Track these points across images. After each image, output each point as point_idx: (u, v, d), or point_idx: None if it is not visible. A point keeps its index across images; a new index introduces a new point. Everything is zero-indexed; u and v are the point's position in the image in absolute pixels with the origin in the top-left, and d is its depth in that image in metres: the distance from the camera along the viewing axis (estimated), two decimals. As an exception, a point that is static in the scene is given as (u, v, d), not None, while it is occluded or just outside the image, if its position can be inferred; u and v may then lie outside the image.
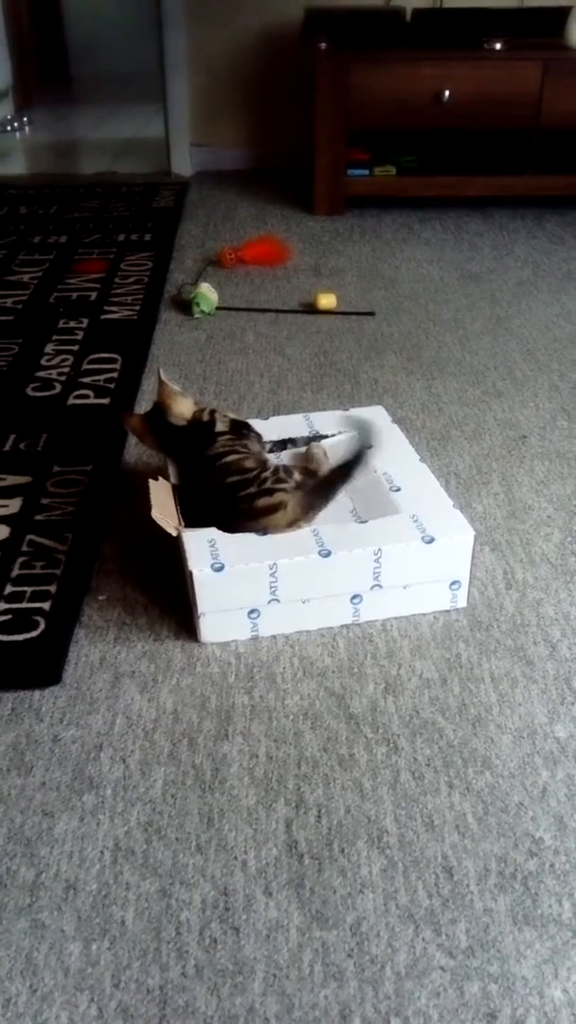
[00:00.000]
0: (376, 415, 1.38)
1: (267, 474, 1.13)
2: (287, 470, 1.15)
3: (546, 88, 2.49)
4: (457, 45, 2.51)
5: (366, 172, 2.66)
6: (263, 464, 1.16)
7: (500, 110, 2.52)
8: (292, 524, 1.10)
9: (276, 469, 1.15)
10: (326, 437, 1.31)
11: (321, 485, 1.15)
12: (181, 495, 1.18)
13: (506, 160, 2.64)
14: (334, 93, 2.51)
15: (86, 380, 1.74)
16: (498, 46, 2.50)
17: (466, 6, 2.68)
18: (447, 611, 1.15)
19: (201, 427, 1.22)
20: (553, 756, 0.95)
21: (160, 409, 1.24)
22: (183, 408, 1.24)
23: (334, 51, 2.48)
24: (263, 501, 1.10)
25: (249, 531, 1.10)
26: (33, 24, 4.49)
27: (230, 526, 1.10)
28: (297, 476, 1.15)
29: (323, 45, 2.47)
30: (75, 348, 1.87)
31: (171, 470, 1.24)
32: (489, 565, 1.24)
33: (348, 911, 0.80)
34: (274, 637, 1.11)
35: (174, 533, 1.11)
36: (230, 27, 2.94)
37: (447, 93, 2.49)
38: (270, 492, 1.11)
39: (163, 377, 1.26)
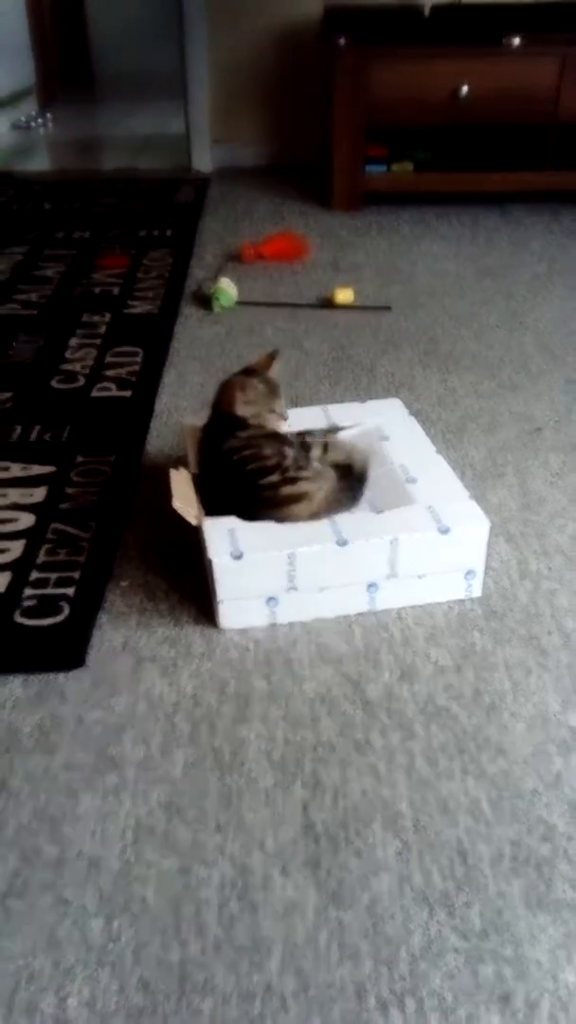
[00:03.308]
0: (393, 408, 1.39)
1: (288, 462, 1.14)
2: (305, 457, 1.16)
3: (564, 83, 2.48)
4: (475, 41, 2.49)
5: (384, 168, 2.66)
6: (281, 453, 1.16)
7: (518, 106, 2.51)
8: (313, 516, 1.12)
9: (295, 457, 1.16)
10: (343, 429, 1.33)
11: (351, 489, 1.16)
12: (201, 484, 1.20)
13: (523, 156, 2.63)
14: (353, 89, 2.51)
15: (109, 373, 1.76)
16: (516, 42, 2.48)
17: (484, 2, 2.67)
18: (462, 600, 1.16)
19: (229, 421, 1.22)
20: (567, 744, 0.96)
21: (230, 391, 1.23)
22: (243, 409, 1.21)
23: (353, 47, 2.47)
24: (287, 490, 1.11)
25: (269, 519, 1.11)
26: (56, 23, 4.51)
27: (251, 514, 1.12)
28: (316, 465, 1.15)
29: (342, 41, 2.47)
30: (98, 342, 1.89)
31: (191, 459, 1.25)
32: (504, 555, 1.24)
33: (364, 892, 0.81)
34: (291, 624, 1.12)
35: (194, 522, 1.12)
36: (250, 25, 2.95)
37: (465, 89, 2.48)
38: (293, 481, 1.12)
39: (250, 381, 1.21)
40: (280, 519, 1.11)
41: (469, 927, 0.78)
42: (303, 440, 1.21)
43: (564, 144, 2.58)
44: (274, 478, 1.11)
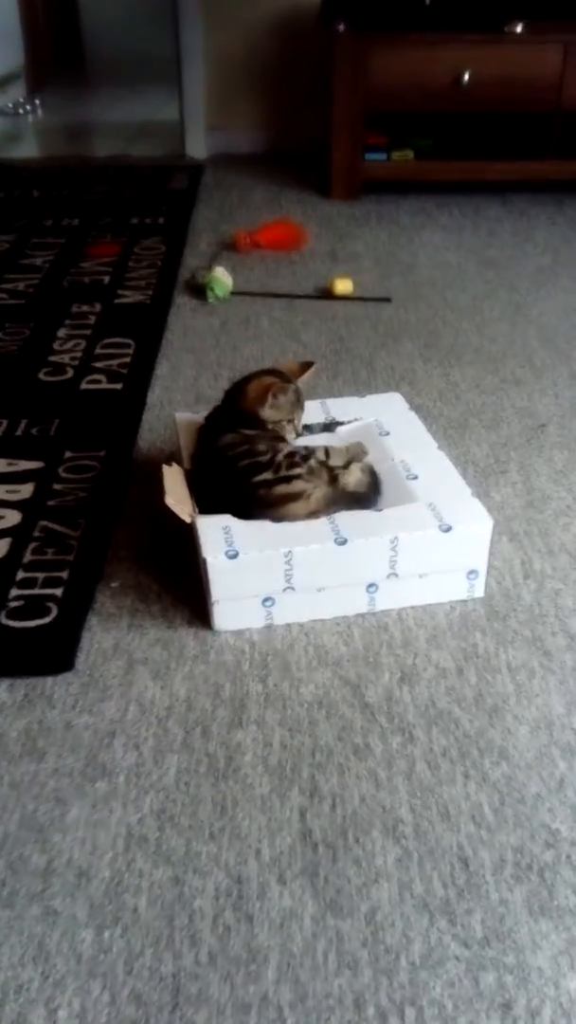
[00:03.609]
0: (393, 402, 1.37)
1: (280, 458, 1.11)
2: (304, 456, 1.13)
3: (567, 71, 2.45)
4: (477, 27, 2.46)
5: (383, 156, 2.63)
6: (274, 449, 1.13)
7: (520, 93, 2.49)
8: (312, 515, 1.09)
9: (291, 453, 1.13)
10: (342, 424, 1.30)
11: (354, 496, 1.13)
12: (195, 480, 1.17)
13: (526, 144, 2.61)
14: (352, 76, 2.48)
15: (99, 365, 1.73)
16: (519, 28, 2.45)
17: (486, -13, 2.63)
18: (464, 600, 1.14)
19: (243, 417, 1.18)
20: (571, 747, 0.95)
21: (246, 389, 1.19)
22: (269, 412, 1.18)
23: (352, 33, 2.44)
24: (281, 489, 1.09)
25: (265, 519, 1.09)
26: (47, 6, 4.45)
27: (246, 514, 1.09)
28: (313, 462, 1.13)
29: (341, 27, 2.44)
30: (88, 333, 1.86)
31: (184, 454, 1.23)
32: (507, 555, 1.22)
33: (363, 900, 0.80)
34: (288, 625, 1.10)
35: (188, 520, 1.10)
36: (247, 9, 2.91)
37: (466, 76, 2.45)
38: (287, 479, 1.09)
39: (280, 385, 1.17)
40: (277, 519, 1.09)
41: (470, 935, 0.77)
42: (304, 448, 1.18)
43: (567, 133, 2.56)
44: (268, 475, 1.09)
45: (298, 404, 1.21)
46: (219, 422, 1.21)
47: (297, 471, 1.10)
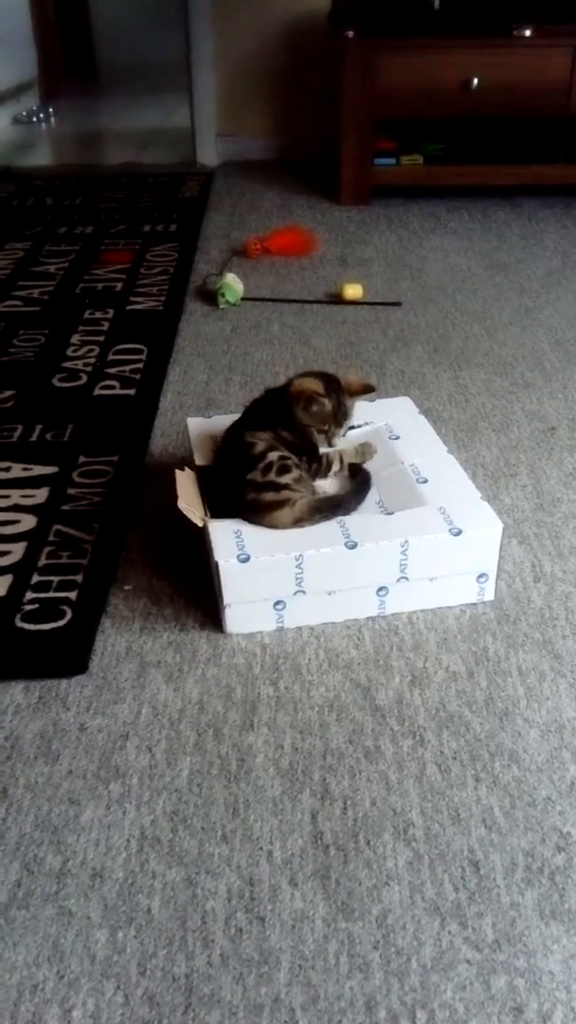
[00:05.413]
0: (403, 406, 1.37)
1: (273, 457, 1.10)
2: (297, 464, 1.13)
3: (577, 75, 2.45)
4: (486, 32, 2.47)
5: (393, 161, 2.64)
6: (271, 447, 1.13)
7: (530, 98, 2.49)
8: (297, 523, 1.09)
9: (283, 457, 1.12)
10: (353, 428, 1.30)
11: (334, 502, 1.13)
12: (208, 484, 1.18)
13: (535, 149, 2.61)
14: (361, 81, 2.49)
15: (112, 371, 1.75)
16: (528, 33, 2.46)
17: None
18: (474, 604, 1.14)
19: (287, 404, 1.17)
20: (582, 751, 0.94)
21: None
22: (300, 415, 1.17)
23: (362, 39, 2.45)
24: (270, 496, 1.09)
25: (254, 524, 1.09)
26: (59, 14, 4.49)
27: (239, 515, 1.10)
28: (296, 472, 1.12)
29: (351, 33, 2.45)
30: (101, 339, 1.87)
31: (196, 458, 1.23)
32: (517, 558, 1.22)
33: (374, 903, 0.80)
34: (299, 628, 1.11)
35: (200, 523, 1.11)
36: (256, 16, 2.92)
37: (476, 81, 2.45)
38: (276, 487, 1.09)
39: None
40: (265, 525, 1.09)
41: (481, 938, 0.77)
42: (321, 456, 1.19)
43: (576, 137, 2.55)
44: (256, 476, 1.09)
45: (334, 420, 1.16)
46: (257, 414, 1.19)
47: (285, 479, 1.10)
